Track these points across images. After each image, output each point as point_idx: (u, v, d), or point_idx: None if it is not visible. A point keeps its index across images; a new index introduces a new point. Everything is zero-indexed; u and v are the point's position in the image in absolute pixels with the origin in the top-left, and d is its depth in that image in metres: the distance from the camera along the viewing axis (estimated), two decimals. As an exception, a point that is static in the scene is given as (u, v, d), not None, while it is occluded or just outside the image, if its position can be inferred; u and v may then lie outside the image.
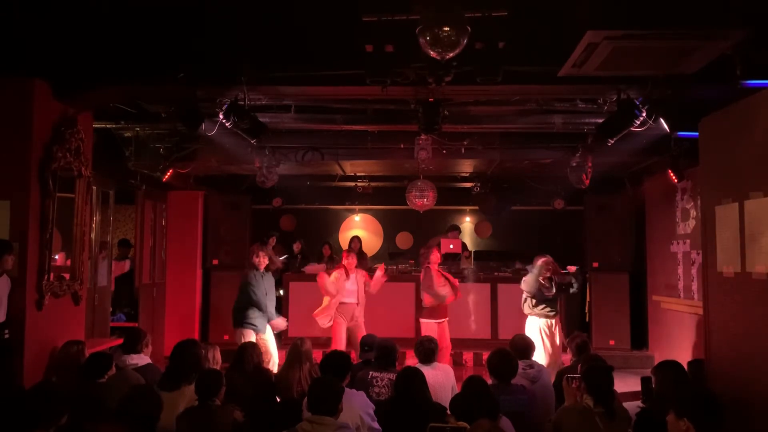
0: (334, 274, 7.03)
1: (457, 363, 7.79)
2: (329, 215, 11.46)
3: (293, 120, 6.02)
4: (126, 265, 8.03)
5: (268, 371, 4.81)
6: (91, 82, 4.78)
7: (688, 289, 7.30)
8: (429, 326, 6.93)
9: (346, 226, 11.50)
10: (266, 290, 6.48)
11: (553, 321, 6.55)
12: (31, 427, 2.90)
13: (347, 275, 7.00)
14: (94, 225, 6.23)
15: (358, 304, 7.00)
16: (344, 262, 7.06)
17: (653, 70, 4.46)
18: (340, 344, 6.90)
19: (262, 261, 6.54)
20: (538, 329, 6.50)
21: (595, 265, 8.65)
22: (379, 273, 7.10)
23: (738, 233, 4.01)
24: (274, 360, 6.39)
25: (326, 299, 6.96)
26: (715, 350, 4.38)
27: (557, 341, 6.54)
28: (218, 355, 4.74)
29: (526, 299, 6.62)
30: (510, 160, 7.69)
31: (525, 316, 6.90)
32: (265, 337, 6.42)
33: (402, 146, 6.92)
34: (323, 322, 6.94)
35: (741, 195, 3.99)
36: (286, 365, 4.60)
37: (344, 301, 6.98)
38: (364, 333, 6.66)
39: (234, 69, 4.64)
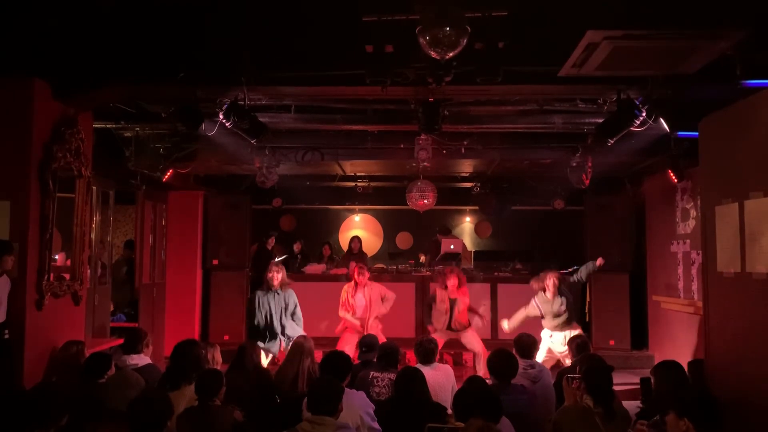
0: (344, 290, 7.03)
1: (457, 363, 7.80)
2: (329, 215, 11.47)
3: (293, 120, 6.01)
4: None
5: (268, 371, 4.81)
6: (91, 82, 4.78)
7: (688, 289, 7.29)
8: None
9: (346, 226, 11.50)
10: (272, 310, 6.51)
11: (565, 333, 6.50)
12: (31, 427, 2.91)
13: (355, 291, 6.97)
14: (94, 225, 6.22)
15: (367, 317, 6.88)
16: (356, 278, 6.99)
17: (653, 70, 4.45)
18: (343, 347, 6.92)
19: (275, 276, 6.56)
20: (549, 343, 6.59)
21: (595, 264, 8.63)
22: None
23: (738, 233, 4.01)
24: None
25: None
26: (714, 350, 4.37)
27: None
28: (218, 355, 4.74)
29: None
30: (510, 160, 7.69)
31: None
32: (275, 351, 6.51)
33: (402, 146, 6.91)
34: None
35: (741, 195, 3.99)
36: (287, 360, 4.61)
37: (350, 318, 6.96)
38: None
39: (234, 69, 4.64)
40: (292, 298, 6.70)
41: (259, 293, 6.66)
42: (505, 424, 3.37)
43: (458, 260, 9.14)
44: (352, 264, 7.77)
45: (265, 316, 6.54)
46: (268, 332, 6.53)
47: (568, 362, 6.20)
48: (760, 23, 3.77)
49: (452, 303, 6.83)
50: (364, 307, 6.91)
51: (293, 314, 6.65)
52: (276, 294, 6.59)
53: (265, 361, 6.52)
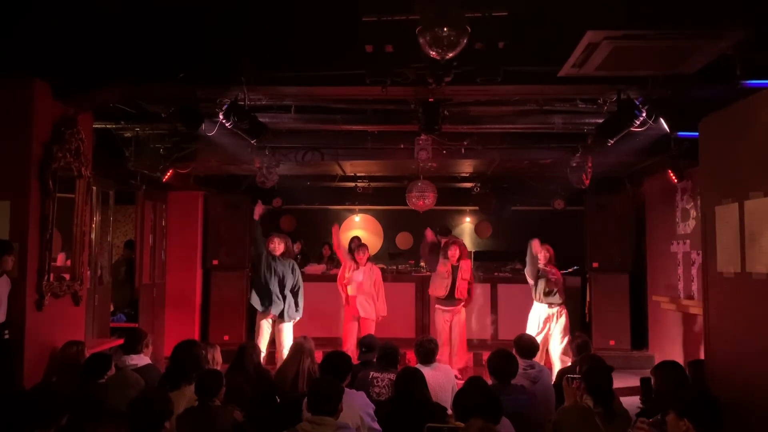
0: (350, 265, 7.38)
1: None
2: (329, 215, 11.46)
3: (293, 120, 6.01)
4: None
5: (268, 371, 4.82)
6: (91, 82, 4.77)
7: (688, 289, 7.30)
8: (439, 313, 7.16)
9: (346, 226, 11.50)
10: (277, 272, 6.71)
11: (555, 311, 6.73)
12: (31, 427, 2.91)
13: (357, 266, 7.28)
14: (94, 225, 6.22)
15: (365, 295, 7.18)
16: (356, 257, 7.34)
17: (653, 70, 4.45)
18: (348, 342, 6.99)
19: (277, 247, 6.76)
20: (537, 316, 6.77)
21: (595, 265, 8.64)
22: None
23: (738, 233, 4.00)
24: (283, 351, 6.54)
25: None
26: (715, 350, 4.37)
27: (555, 331, 6.70)
28: (218, 355, 4.74)
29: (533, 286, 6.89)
30: (510, 160, 7.69)
31: (526, 317, 6.94)
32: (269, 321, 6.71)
33: (402, 146, 6.91)
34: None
35: (741, 195, 3.98)
36: (287, 360, 4.63)
37: (353, 294, 7.21)
38: (370, 331, 6.74)
39: (234, 69, 4.64)
40: (296, 268, 6.89)
41: (267, 255, 6.79)
42: (505, 425, 3.37)
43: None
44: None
45: (269, 276, 6.70)
46: (269, 293, 6.69)
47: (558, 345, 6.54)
48: (760, 23, 3.77)
49: (454, 269, 7.11)
50: (359, 285, 7.19)
51: (294, 289, 6.78)
52: (280, 259, 6.78)
53: (267, 328, 6.70)
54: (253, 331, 8.59)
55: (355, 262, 7.32)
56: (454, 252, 7.16)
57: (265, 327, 6.71)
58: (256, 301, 6.73)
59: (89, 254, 5.83)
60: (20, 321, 4.47)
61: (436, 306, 7.24)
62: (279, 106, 5.85)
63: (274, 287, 6.66)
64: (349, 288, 7.27)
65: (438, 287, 7.16)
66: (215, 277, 9.02)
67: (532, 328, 6.66)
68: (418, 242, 10.84)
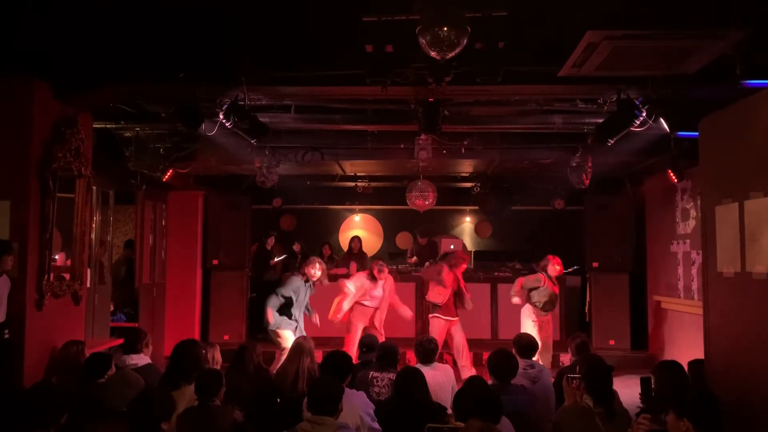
0: (363, 279, 7.15)
1: (457, 363, 7.79)
2: (329, 215, 11.47)
3: (293, 120, 6.02)
4: None
5: (268, 371, 4.81)
6: (91, 82, 4.78)
7: (688, 289, 7.30)
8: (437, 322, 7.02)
9: (346, 226, 11.51)
10: (300, 298, 6.62)
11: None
12: (31, 427, 2.90)
13: (375, 285, 7.08)
14: (94, 225, 6.22)
15: (377, 308, 7.09)
16: (376, 274, 7.07)
17: (653, 70, 4.46)
18: (352, 347, 6.94)
19: (314, 274, 6.62)
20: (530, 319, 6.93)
21: (595, 265, 8.64)
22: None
23: (738, 233, 4.01)
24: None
25: (336, 300, 7.10)
26: (715, 350, 4.37)
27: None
28: (218, 355, 4.74)
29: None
30: (510, 160, 7.70)
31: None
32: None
33: (402, 146, 6.92)
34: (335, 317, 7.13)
35: (741, 195, 3.99)
36: (287, 360, 4.63)
37: (364, 304, 7.05)
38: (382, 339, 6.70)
39: (234, 69, 4.64)
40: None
41: (299, 278, 6.66)
42: (505, 425, 3.37)
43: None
44: (353, 264, 7.78)
45: (293, 301, 6.60)
46: (287, 314, 6.57)
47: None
48: (760, 23, 3.77)
49: (456, 280, 7.04)
50: (381, 297, 7.09)
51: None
52: (311, 286, 6.70)
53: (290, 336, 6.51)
54: (253, 331, 8.61)
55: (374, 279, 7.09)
56: (463, 269, 7.13)
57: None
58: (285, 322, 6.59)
59: (89, 254, 5.83)
60: (20, 321, 4.47)
61: (437, 314, 6.97)
62: (279, 106, 5.86)
63: (297, 314, 6.59)
64: (367, 302, 7.08)
65: (437, 294, 6.96)
66: (215, 277, 9.02)
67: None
68: (419, 242, 10.87)
